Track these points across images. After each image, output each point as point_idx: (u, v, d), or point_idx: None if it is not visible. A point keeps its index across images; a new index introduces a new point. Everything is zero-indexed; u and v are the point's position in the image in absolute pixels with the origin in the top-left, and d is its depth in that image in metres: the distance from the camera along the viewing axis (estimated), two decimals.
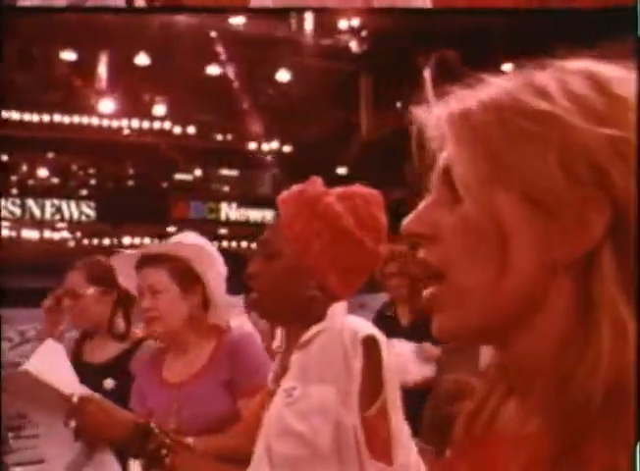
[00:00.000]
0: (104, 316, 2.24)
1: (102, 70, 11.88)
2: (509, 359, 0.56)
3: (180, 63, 11.36)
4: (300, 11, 9.03)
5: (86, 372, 1.75)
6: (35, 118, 12.69)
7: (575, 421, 0.49)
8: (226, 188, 15.77)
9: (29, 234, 13.52)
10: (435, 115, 0.56)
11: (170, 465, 1.31)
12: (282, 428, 1.20)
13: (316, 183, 1.32)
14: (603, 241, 0.49)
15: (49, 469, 1.49)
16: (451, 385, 1.98)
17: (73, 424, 1.37)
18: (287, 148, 13.88)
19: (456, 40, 7.86)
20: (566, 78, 0.52)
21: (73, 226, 13.96)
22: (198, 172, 15.25)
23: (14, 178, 13.67)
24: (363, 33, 11.78)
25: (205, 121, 13.55)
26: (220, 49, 11.23)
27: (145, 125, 12.93)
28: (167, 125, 13.13)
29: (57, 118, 12.41)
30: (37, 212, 13.42)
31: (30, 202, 13.33)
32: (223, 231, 14.34)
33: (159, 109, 12.85)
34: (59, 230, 13.96)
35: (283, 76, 11.78)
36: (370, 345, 1.19)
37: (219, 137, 14.02)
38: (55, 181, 14.22)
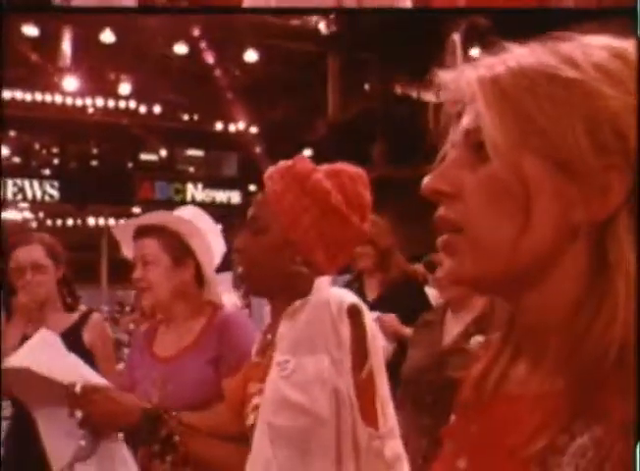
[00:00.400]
0: (54, 290, 2.28)
1: (66, 46, 11.62)
2: (522, 317, 0.57)
3: (146, 41, 11.18)
4: None
5: None
6: None
7: (592, 376, 0.50)
8: (192, 169, 15.61)
9: None
10: (463, 79, 0.57)
11: (184, 451, 1.30)
12: (280, 401, 1.21)
13: (304, 159, 1.33)
14: (622, 207, 0.52)
15: (53, 460, 1.46)
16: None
17: (79, 414, 1.34)
18: (253, 129, 13.80)
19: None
20: (589, 49, 0.54)
21: (35, 206, 13.69)
22: (164, 152, 15.05)
23: None
24: (332, 15, 11.76)
25: (171, 100, 13.38)
26: (188, 28, 11.08)
27: (110, 103, 12.68)
28: (132, 104, 12.89)
29: (19, 95, 12.10)
30: None
31: None
32: None
33: (124, 88, 12.62)
34: (21, 210, 13.69)
35: (251, 56, 11.68)
36: (354, 314, 1.23)
37: (185, 117, 13.84)
38: (17, 160, 13.90)
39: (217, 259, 1.82)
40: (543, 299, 0.55)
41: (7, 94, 12.14)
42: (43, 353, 1.46)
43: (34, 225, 13.73)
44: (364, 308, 1.27)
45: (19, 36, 10.48)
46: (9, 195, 13.04)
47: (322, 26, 11.71)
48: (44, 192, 13.37)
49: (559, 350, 0.54)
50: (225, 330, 1.69)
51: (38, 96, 12.33)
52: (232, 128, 13.68)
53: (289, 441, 1.20)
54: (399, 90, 11.99)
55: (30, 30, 10.92)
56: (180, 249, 1.74)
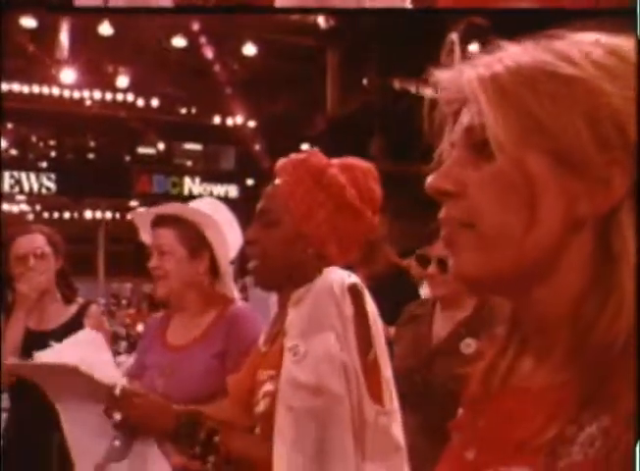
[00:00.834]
0: (54, 281, 2.29)
1: (64, 38, 11.57)
2: (529, 312, 0.58)
3: (145, 34, 11.14)
4: None
5: (41, 339, 1.74)
6: None
7: (600, 366, 0.51)
8: (189, 163, 15.60)
9: None
10: (462, 78, 0.57)
11: (225, 451, 1.30)
12: (296, 385, 1.23)
13: (317, 153, 1.35)
14: (624, 200, 0.53)
15: (78, 456, 1.46)
16: None
17: (117, 416, 1.35)
18: (251, 123, 13.78)
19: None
20: (584, 46, 0.55)
21: (32, 198, 13.67)
22: (162, 145, 15.02)
23: None
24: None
25: (169, 94, 13.35)
26: (186, 22, 11.05)
27: (108, 96, 12.64)
28: (130, 97, 12.87)
29: (16, 87, 12.06)
30: None
31: None
32: None
33: (122, 81, 12.58)
34: (18, 202, 13.66)
35: (249, 50, 11.64)
36: (355, 293, 1.27)
37: (183, 111, 13.81)
38: (14, 152, 13.87)
39: (233, 252, 1.83)
40: (550, 292, 0.56)
41: (4, 86, 12.10)
42: (88, 352, 1.45)
43: (31, 217, 13.69)
44: (364, 289, 1.29)
45: (16, 28, 10.44)
46: (6, 188, 13.02)
47: (321, 21, 11.68)
48: (41, 185, 13.36)
49: (566, 343, 0.55)
50: (234, 324, 1.70)
51: (36, 88, 12.29)
52: (230, 121, 13.66)
53: (310, 421, 1.22)
54: (397, 85, 11.98)
55: (28, 22, 10.87)
56: (196, 241, 1.75)
